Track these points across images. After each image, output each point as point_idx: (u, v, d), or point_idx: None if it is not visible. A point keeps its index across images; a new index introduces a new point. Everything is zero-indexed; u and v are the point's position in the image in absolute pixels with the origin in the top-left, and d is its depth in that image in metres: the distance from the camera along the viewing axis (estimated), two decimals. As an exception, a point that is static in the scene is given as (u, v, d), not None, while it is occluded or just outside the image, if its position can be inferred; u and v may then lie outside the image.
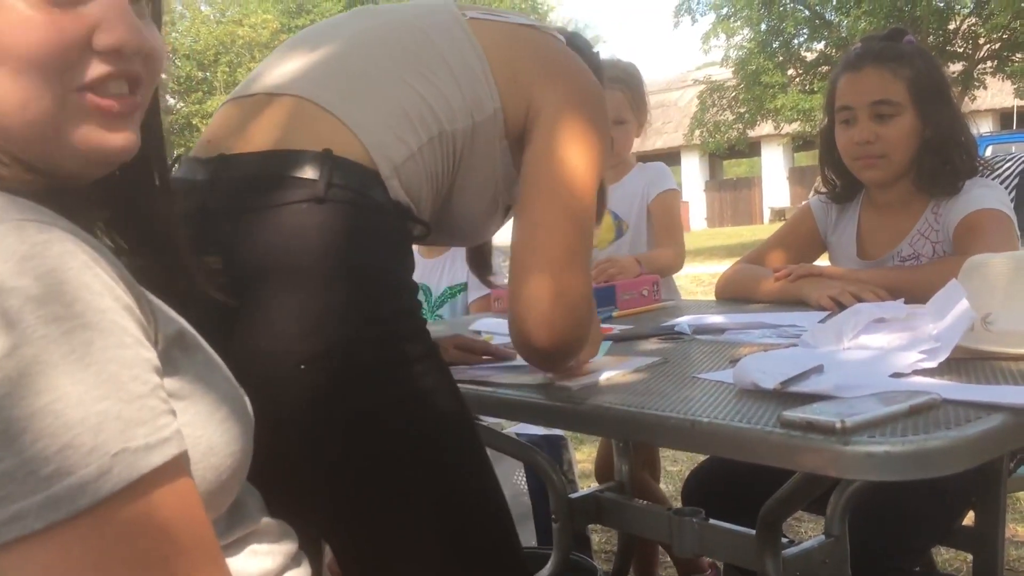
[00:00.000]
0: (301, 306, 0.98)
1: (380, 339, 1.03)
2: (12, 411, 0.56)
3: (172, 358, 0.70)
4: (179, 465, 0.63)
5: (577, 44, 1.35)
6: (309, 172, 1.01)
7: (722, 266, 2.14)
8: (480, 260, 1.61)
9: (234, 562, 0.77)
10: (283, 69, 1.16)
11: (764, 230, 17.96)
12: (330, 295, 0.99)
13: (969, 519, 1.55)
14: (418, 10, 1.25)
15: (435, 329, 1.88)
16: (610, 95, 2.39)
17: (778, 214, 23.86)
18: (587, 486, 2.12)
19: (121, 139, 0.73)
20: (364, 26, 1.22)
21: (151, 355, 0.64)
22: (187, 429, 0.67)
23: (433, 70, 1.14)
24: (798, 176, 24.98)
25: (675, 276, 2.50)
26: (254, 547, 0.80)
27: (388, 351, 1.04)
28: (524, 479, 2.33)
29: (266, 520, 0.83)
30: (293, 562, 0.84)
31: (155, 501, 0.60)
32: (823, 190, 1.98)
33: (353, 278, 1.01)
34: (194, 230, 0.95)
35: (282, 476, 0.92)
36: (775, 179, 26.32)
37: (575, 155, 1.14)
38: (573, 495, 1.75)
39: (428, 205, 1.15)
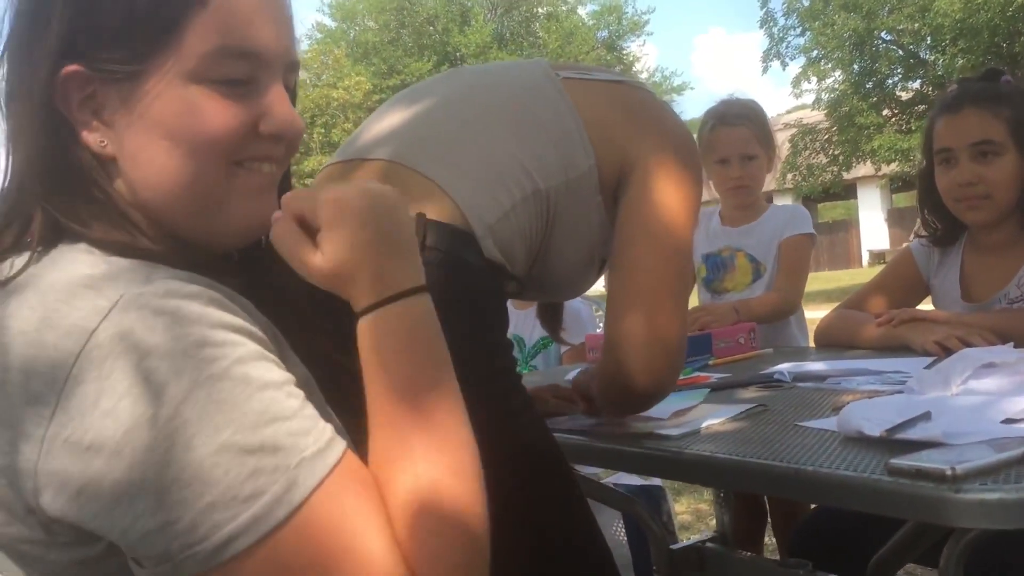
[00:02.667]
0: None
1: (484, 396, 1.04)
2: (200, 451, 0.63)
3: None
4: (348, 456, 0.70)
5: None
6: None
7: (820, 312, 2.10)
8: (551, 315, 1.63)
9: None
10: (377, 133, 1.20)
11: (863, 274, 17.47)
12: None
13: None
14: (512, 70, 1.29)
15: (531, 380, 1.91)
16: (738, 131, 2.41)
17: (877, 257, 23.22)
18: (686, 538, 2.09)
19: (270, 212, 0.80)
20: (457, 87, 1.27)
21: (289, 374, 0.71)
22: None
23: (526, 129, 1.17)
24: (897, 218, 24.32)
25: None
26: None
27: (492, 408, 1.05)
28: (623, 530, 2.31)
29: None
30: None
31: (341, 493, 0.67)
32: (924, 234, 1.94)
33: (451, 340, 1.04)
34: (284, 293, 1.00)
35: None
36: (873, 221, 25.65)
37: (670, 199, 1.16)
38: (675, 546, 1.73)
39: (522, 262, 1.17)
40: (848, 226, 27.32)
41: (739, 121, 2.42)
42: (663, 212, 1.15)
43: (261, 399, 0.66)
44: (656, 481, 2.41)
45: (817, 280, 17.52)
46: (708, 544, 1.74)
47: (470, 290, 1.07)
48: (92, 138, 0.75)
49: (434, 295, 1.02)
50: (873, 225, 25.65)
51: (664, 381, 1.17)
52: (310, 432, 0.68)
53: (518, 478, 1.06)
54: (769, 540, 2.72)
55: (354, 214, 0.77)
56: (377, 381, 0.75)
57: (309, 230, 0.78)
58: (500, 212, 1.11)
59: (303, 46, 24.71)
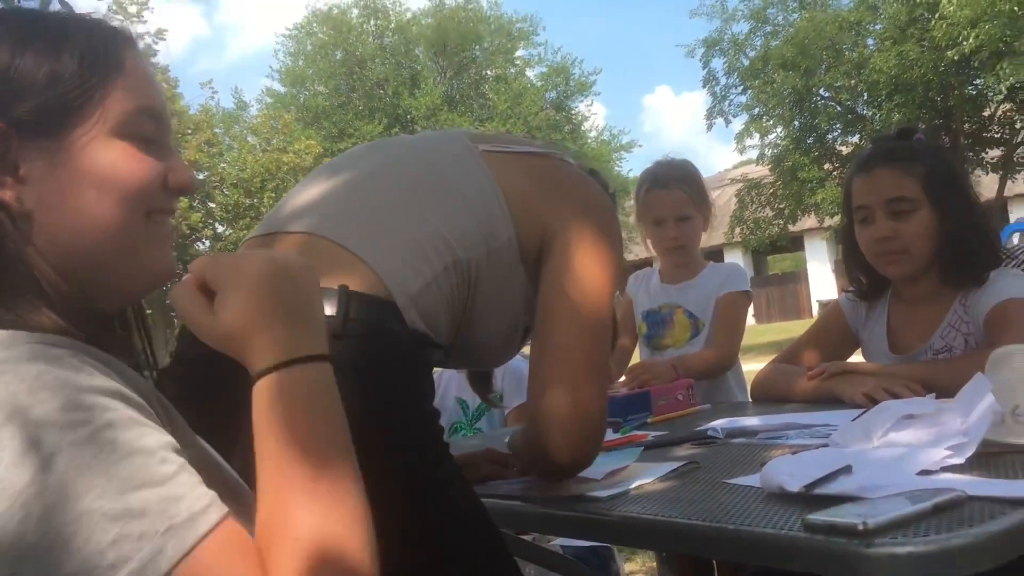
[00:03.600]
0: None
1: (412, 465, 1.05)
2: (58, 519, 0.61)
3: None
4: (226, 525, 0.68)
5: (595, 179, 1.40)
6: (326, 309, 1.04)
7: (769, 364, 2.14)
8: (481, 381, 1.64)
9: None
10: (297, 205, 1.21)
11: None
12: (357, 428, 1.02)
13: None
14: (432, 143, 1.31)
15: (469, 444, 1.90)
16: (671, 194, 2.48)
17: (826, 306, 23.58)
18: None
19: (172, 262, 0.85)
20: (377, 159, 1.28)
21: (170, 438, 0.70)
22: None
23: (446, 201, 1.19)
24: (844, 268, 24.75)
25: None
26: None
27: (420, 478, 1.05)
28: (571, 593, 2.29)
29: None
30: None
31: (213, 564, 0.65)
32: (851, 288, 2.00)
33: (377, 410, 1.02)
34: (212, 371, 1.00)
35: None
36: (820, 272, 26.11)
37: (590, 271, 1.19)
38: (618, 608, 1.72)
39: (446, 332, 1.18)
40: (797, 278, 27.77)
41: (672, 184, 2.49)
42: (583, 283, 1.18)
43: (129, 464, 0.65)
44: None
45: (769, 332, 17.74)
46: (651, 604, 1.74)
47: (395, 360, 1.08)
48: (7, 195, 0.77)
49: (359, 366, 1.03)
50: (821, 276, 26.09)
51: (585, 454, 1.20)
52: (182, 499, 0.66)
53: (448, 548, 1.06)
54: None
55: (250, 279, 0.79)
56: (263, 445, 0.74)
57: (210, 293, 0.80)
58: (422, 282, 1.12)
59: (253, 111, 24.79)
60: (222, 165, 17.96)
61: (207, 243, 17.27)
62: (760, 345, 14.40)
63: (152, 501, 0.64)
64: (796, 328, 17.96)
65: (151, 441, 0.67)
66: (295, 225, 1.16)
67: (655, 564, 3.70)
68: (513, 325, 1.27)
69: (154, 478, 0.65)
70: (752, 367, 2.58)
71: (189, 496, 0.66)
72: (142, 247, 0.82)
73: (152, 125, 0.83)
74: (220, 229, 17.70)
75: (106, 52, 0.81)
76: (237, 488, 0.83)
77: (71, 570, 0.61)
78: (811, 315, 25.01)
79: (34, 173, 0.77)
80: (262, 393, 0.75)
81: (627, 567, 3.61)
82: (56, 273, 0.78)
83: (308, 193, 1.23)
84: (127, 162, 0.80)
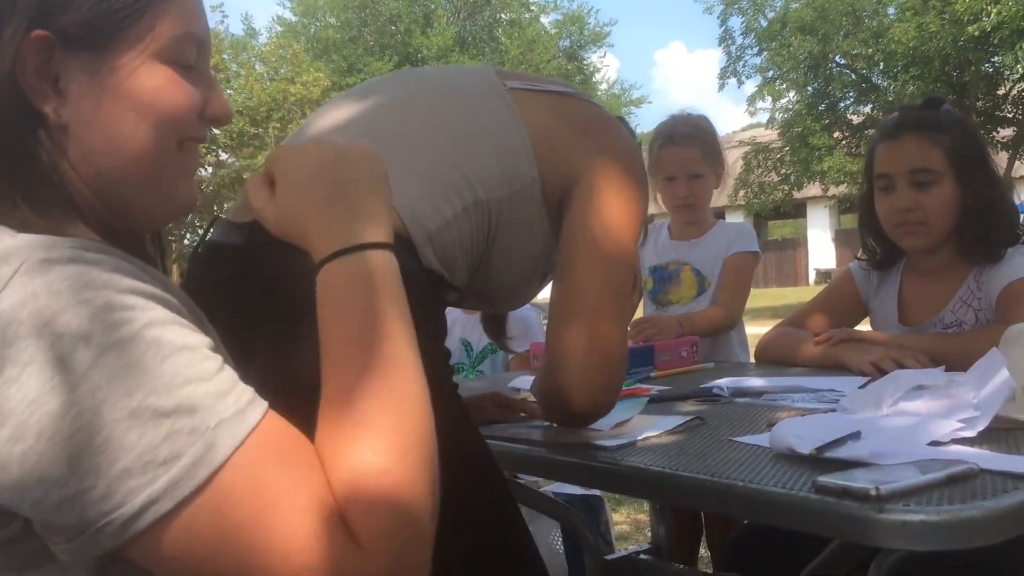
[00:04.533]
0: None
1: None
2: (112, 414, 0.62)
3: None
4: (271, 417, 0.69)
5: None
6: None
7: (766, 328, 2.14)
8: (495, 324, 1.62)
9: None
10: (322, 128, 1.19)
11: (809, 292, 17.76)
12: None
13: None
14: (459, 78, 1.28)
15: (475, 385, 1.90)
16: (685, 151, 2.44)
17: (823, 276, 23.63)
18: (624, 548, 2.10)
19: (196, 193, 0.84)
20: (404, 90, 1.26)
21: (208, 339, 0.71)
22: None
23: (470, 139, 1.16)
24: (844, 238, 24.78)
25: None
26: None
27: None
28: (560, 540, 2.31)
29: None
30: None
31: (263, 455, 0.66)
32: (864, 257, 1.98)
33: None
34: (230, 293, 0.99)
35: None
36: (820, 241, 26.13)
37: (615, 214, 1.17)
38: (609, 557, 1.74)
39: (462, 273, 1.16)
40: (796, 244, 27.79)
41: (686, 140, 2.45)
42: (608, 227, 1.16)
43: (175, 361, 0.65)
44: (596, 491, 2.43)
45: (764, 296, 17.78)
46: (642, 556, 1.76)
47: (408, 298, 1.06)
48: (47, 106, 0.75)
49: None
50: (820, 244, 26.13)
51: (603, 397, 1.17)
52: (229, 393, 0.67)
53: (452, 488, 1.06)
54: (704, 553, 2.75)
55: (305, 168, 0.82)
56: (325, 332, 0.75)
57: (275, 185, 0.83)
58: (441, 222, 1.10)
59: (262, 39, 24.46)
60: (228, 92, 17.73)
61: (209, 170, 17.15)
62: (755, 310, 14.42)
63: (201, 396, 0.65)
64: (791, 295, 18.01)
65: (193, 339, 0.68)
66: None
67: (640, 517, 3.76)
68: (532, 269, 1.26)
69: (201, 374, 0.66)
70: (747, 331, 2.58)
71: (233, 391, 0.67)
72: (171, 175, 0.81)
73: (195, 52, 0.81)
74: (224, 156, 17.57)
75: None
76: None
77: (126, 465, 0.62)
78: (807, 283, 25.09)
79: (74, 87, 0.76)
80: (323, 281, 0.77)
81: (613, 518, 3.65)
82: (89, 190, 0.77)
83: (334, 116, 1.20)
84: (169, 88, 0.78)
